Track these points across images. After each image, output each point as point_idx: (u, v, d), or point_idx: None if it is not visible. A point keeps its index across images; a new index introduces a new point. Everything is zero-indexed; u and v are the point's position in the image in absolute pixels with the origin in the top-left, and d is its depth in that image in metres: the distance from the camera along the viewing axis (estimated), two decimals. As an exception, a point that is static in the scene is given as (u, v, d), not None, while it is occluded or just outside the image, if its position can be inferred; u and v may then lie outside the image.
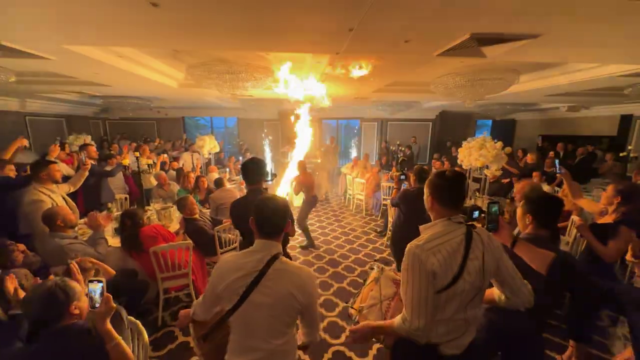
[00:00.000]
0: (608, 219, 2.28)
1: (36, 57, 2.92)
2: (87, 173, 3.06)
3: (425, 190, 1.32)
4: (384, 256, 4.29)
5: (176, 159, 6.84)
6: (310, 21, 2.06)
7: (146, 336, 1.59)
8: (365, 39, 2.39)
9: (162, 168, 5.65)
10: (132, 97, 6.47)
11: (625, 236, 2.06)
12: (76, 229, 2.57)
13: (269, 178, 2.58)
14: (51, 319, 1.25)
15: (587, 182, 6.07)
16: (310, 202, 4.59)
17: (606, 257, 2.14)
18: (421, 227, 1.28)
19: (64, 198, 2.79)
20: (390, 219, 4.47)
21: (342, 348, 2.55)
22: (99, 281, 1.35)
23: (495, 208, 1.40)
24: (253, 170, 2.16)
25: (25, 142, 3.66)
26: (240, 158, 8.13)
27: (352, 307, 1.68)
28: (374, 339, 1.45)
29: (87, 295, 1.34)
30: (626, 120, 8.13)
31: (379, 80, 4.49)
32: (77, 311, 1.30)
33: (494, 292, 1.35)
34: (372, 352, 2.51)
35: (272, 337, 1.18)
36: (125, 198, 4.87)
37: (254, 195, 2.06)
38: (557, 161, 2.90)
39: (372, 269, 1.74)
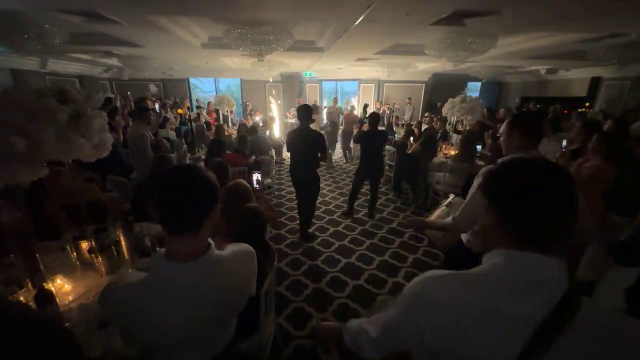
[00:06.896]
0: None
1: (113, 23, 3.65)
2: (160, 120, 4.02)
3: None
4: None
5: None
6: None
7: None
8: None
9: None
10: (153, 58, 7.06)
11: None
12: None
13: None
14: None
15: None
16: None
17: None
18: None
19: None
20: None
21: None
22: None
23: None
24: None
25: None
26: (257, 119, 8.82)
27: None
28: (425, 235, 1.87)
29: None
30: (595, 82, 9.14)
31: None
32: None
33: None
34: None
35: None
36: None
37: None
38: None
39: (447, 197, 2.30)
